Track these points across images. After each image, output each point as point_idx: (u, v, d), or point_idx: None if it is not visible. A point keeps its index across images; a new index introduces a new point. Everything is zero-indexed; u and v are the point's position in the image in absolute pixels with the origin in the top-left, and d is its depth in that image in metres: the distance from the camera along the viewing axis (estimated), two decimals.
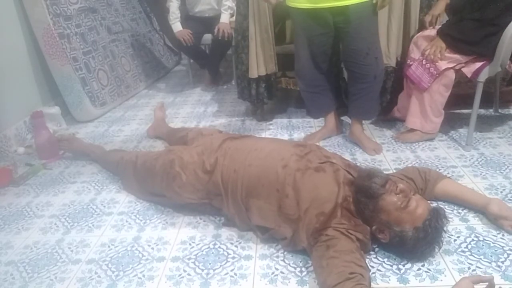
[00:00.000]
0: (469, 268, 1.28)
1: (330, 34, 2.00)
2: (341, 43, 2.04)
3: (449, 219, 1.38)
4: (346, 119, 2.49)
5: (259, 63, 2.37)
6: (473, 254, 1.33)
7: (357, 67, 2.00)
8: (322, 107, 2.30)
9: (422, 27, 2.20)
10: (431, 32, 2.06)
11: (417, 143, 2.15)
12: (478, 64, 1.93)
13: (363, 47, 1.95)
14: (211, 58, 3.47)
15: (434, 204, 1.50)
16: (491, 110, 2.47)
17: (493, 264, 1.29)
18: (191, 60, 3.63)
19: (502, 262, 1.29)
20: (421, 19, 2.23)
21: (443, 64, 1.96)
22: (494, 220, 1.45)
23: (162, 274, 1.35)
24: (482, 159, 1.94)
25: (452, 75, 1.98)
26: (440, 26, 2.05)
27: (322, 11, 1.90)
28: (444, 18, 2.16)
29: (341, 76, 2.50)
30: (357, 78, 2.04)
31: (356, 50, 1.96)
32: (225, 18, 3.17)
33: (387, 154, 2.07)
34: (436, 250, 1.33)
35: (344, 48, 2.04)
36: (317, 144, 2.16)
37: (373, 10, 1.91)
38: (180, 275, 1.34)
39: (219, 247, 1.47)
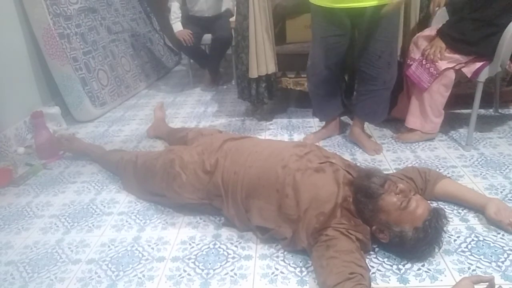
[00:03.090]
0: (469, 268, 1.28)
1: (345, 36, 1.98)
2: (357, 43, 2.03)
3: (449, 219, 1.38)
4: (346, 119, 2.49)
5: (259, 63, 2.37)
6: (473, 254, 1.33)
7: (368, 68, 1.99)
8: (328, 110, 2.27)
9: (422, 27, 2.20)
10: (431, 32, 2.06)
11: (417, 143, 2.15)
12: (478, 64, 1.93)
13: (376, 50, 1.94)
14: (211, 58, 3.47)
15: (434, 204, 1.51)
16: (491, 110, 2.47)
17: (493, 264, 1.29)
18: (191, 60, 3.63)
19: (502, 262, 1.29)
20: (421, 19, 2.23)
21: (443, 64, 1.96)
22: (492, 221, 1.45)
23: (162, 274, 1.35)
24: (482, 159, 1.94)
25: (452, 75, 1.98)
26: (440, 26, 2.05)
27: (340, 11, 1.88)
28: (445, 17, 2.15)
29: (341, 77, 2.50)
30: (366, 80, 2.04)
31: (369, 52, 1.95)
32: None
33: (387, 154, 2.07)
34: (436, 250, 1.33)
35: (358, 49, 2.04)
36: (317, 144, 2.17)
37: (396, 12, 1.88)
38: (180, 275, 1.34)
39: (219, 247, 1.47)
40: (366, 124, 2.29)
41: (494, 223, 1.44)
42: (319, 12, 1.95)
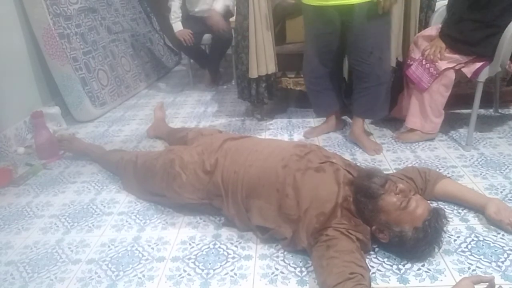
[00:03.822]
0: (469, 268, 1.28)
1: (335, 34, 2.02)
2: (348, 41, 2.04)
3: (449, 219, 1.38)
4: (347, 118, 2.49)
5: (259, 63, 2.37)
6: (473, 254, 1.33)
7: (361, 65, 2.01)
8: (324, 106, 2.32)
9: (422, 27, 2.20)
10: (431, 32, 2.06)
11: (417, 143, 2.15)
12: (478, 64, 1.93)
13: (367, 46, 1.95)
14: (211, 58, 3.48)
15: (434, 204, 1.51)
16: (491, 110, 2.47)
17: (493, 264, 1.29)
18: (191, 60, 3.63)
19: (502, 262, 1.29)
20: (421, 19, 2.23)
21: (443, 64, 1.96)
22: (492, 221, 1.45)
23: (162, 274, 1.35)
24: (482, 159, 1.94)
25: (452, 75, 1.98)
26: (440, 26, 2.05)
27: (330, 9, 1.92)
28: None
29: (341, 76, 2.50)
30: (360, 77, 2.05)
31: (360, 48, 1.97)
32: (218, 6, 3.15)
33: (387, 154, 2.07)
34: (436, 250, 1.33)
35: (349, 46, 2.05)
36: (317, 144, 2.17)
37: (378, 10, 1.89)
38: (180, 275, 1.34)
39: (219, 247, 1.47)
40: (366, 124, 2.29)
41: (494, 223, 1.44)
42: (310, 11, 2.00)
